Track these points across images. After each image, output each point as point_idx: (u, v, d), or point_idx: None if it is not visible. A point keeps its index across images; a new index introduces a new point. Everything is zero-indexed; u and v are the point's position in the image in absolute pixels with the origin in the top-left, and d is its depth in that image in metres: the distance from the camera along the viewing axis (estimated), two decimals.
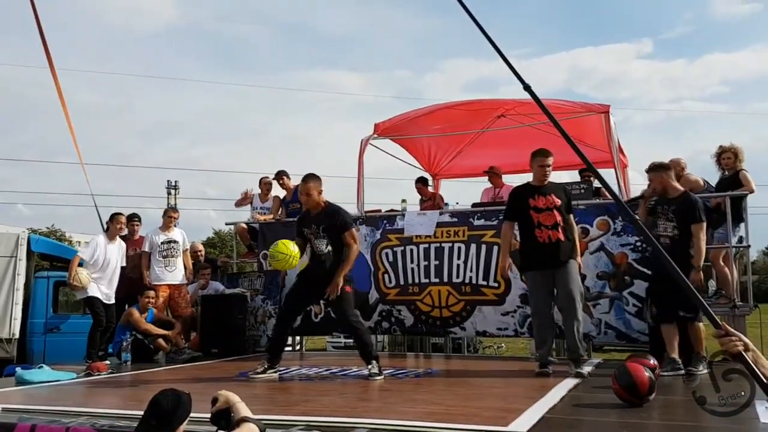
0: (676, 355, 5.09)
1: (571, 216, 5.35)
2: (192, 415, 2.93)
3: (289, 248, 5.18)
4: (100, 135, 74.39)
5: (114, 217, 7.28)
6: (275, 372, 5.37)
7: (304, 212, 5.54)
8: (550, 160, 5.15)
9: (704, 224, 5.18)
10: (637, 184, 8.36)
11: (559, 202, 5.15)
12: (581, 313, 5.08)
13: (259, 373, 5.27)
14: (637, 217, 2.61)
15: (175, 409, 2.66)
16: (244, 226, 8.87)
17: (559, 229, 5.08)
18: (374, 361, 5.19)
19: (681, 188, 5.44)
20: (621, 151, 7.26)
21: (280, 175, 8.71)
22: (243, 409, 2.94)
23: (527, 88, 2.80)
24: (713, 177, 6.81)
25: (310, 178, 5.33)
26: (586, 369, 5.14)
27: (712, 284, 6.65)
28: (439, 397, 4.31)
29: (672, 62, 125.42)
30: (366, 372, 5.19)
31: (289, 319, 5.61)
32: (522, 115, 8.05)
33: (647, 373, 3.73)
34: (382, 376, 5.11)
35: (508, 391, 4.53)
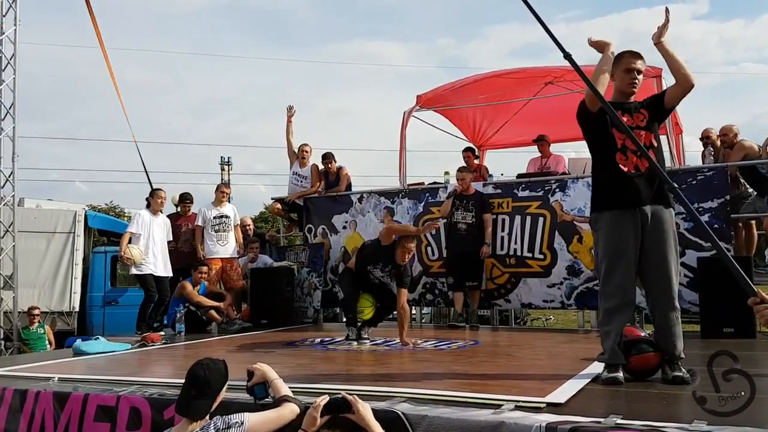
0: (460, 310, 7.17)
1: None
2: (237, 383, 3.02)
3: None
4: (152, 113, 75.86)
5: (154, 192, 7.41)
6: (368, 339, 5.80)
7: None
8: (641, 64, 3.60)
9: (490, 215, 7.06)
10: (693, 150, 8.00)
11: (649, 114, 3.57)
12: (677, 298, 3.50)
13: (353, 339, 5.72)
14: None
15: (210, 376, 2.74)
16: (278, 205, 8.84)
17: (651, 154, 3.31)
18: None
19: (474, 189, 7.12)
20: (675, 116, 7.01)
21: (326, 158, 8.53)
22: (282, 388, 2.95)
23: (567, 56, 2.73)
24: None
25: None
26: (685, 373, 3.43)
27: None
28: (479, 368, 4.30)
29: (729, 23, 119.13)
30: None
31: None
32: (571, 81, 7.83)
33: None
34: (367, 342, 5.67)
35: (551, 363, 4.49)
